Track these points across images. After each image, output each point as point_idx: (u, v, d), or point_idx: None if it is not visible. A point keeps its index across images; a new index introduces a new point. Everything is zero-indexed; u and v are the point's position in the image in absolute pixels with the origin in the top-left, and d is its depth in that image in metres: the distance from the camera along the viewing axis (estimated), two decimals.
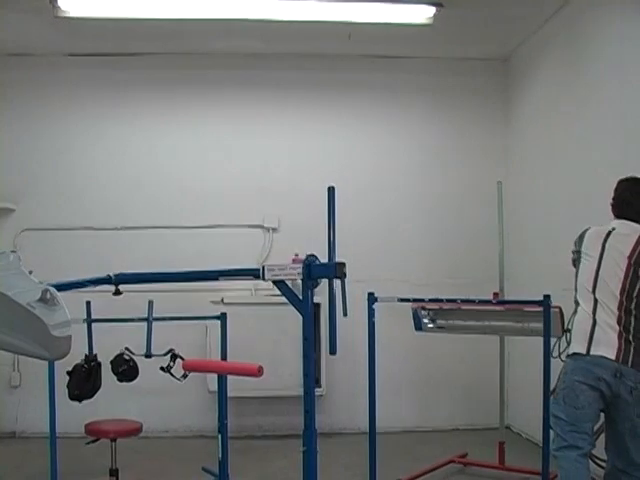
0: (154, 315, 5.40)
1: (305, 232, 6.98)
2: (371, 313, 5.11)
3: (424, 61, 7.16)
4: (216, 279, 2.85)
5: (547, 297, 4.55)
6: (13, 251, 2.54)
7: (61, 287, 2.91)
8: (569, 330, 5.28)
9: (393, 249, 7.12)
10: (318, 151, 7.15)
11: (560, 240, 5.82)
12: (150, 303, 5.30)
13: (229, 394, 6.25)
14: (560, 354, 5.27)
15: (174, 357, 5.25)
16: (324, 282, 7.21)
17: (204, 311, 5.92)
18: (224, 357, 5.62)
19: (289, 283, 2.75)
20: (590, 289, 3.93)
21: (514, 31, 6.55)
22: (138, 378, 5.32)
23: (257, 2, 5.80)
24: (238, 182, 7.04)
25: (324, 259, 7.33)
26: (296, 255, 6.87)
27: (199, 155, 7.12)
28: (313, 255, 2.62)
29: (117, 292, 3.04)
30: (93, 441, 4.71)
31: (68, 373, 5.02)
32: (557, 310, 4.93)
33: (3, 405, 6.78)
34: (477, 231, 6.91)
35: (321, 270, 2.57)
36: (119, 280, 2.97)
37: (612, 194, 4.09)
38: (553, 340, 5.07)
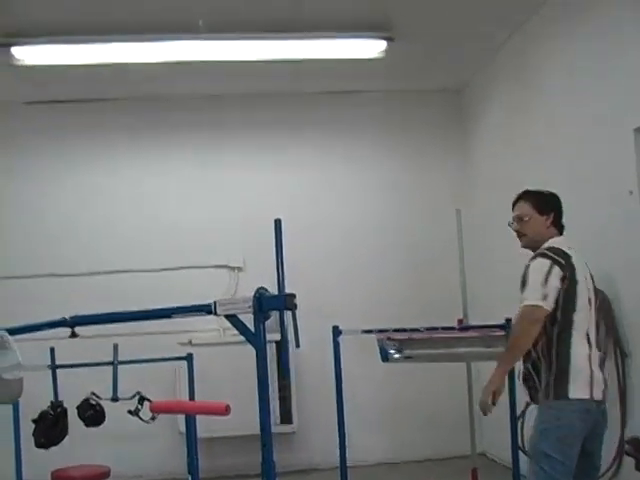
0: (121, 359, 5.41)
1: (271, 270, 6.98)
2: (336, 345, 5.12)
3: (379, 94, 7.26)
4: (169, 317, 2.86)
5: (509, 321, 4.59)
6: None
7: (18, 331, 2.93)
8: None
9: (356, 282, 7.15)
10: (279, 188, 7.19)
11: (520, 264, 5.91)
12: (115, 346, 5.30)
13: (200, 435, 6.22)
14: None
15: (142, 400, 5.22)
16: (300, 320, 7.18)
17: (173, 353, 5.91)
18: (192, 397, 5.62)
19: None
20: (587, 327, 3.58)
21: (466, 63, 6.69)
22: (108, 423, 5.31)
23: (208, 44, 5.85)
24: (202, 223, 7.06)
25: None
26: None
27: (163, 197, 7.16)
28: (263, 288, 2.64)
29: (73, 334, 3.05)
30: None
31: (34, 421, 4.98)
32: None
33: None
34: (439, 259, 6.93)
35: (271, 302, 2.61)
36: (74, 322, 2.98)
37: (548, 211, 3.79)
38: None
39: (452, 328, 5.13)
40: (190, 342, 6.54)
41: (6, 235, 6.97)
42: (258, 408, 6.53)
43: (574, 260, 3.57)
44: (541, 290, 3.47)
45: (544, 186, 5.54)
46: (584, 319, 3.55)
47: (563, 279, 3.50)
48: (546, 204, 3.79)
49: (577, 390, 3.44)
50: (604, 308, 4.69)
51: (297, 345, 2.70)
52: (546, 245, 3.67)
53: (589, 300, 3.60)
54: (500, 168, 6.56)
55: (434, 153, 7.36)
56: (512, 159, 6.25)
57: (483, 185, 6.99)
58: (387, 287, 7.14)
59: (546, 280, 3.48)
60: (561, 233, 3.77)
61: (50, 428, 4.94)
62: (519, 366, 4.17)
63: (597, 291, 4.77)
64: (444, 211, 6.37)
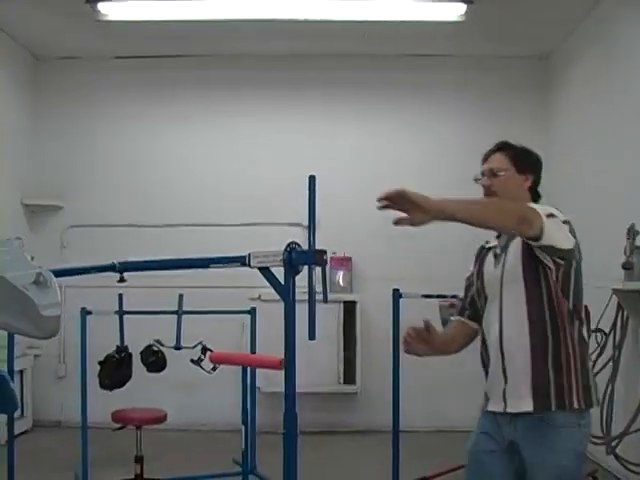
0: (187, 309, 5.58)
1: (343, 228, 7.05)
2: (396, 308, 5.14)
3: (458, 59, 7.14)
4: (207, 266, 2.94)
5: None
6: (18, 238, 2.70)
7: (65, 273, 3.06)
8: (600, 330, 5.24)
9: (421, 248, 7.07)
10: (357, 151, 7.21)
11: (594, 233, 5.78)
12: (180, 296, 5.45)
13: (264, 389, 6.37)
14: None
15: (204, 350, 5.37)
16: (366, 280, 7.14)
17: (242, 307, 6.03)
18: (253, 350, 5.73)
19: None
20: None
21: (550, 29, 6.46)
22: (174, 371, 5.52)
23: (284, 2, 5.91)
24: (278, 180, 7.14)
25: (363, 257, 7.28)
26: (333, 253, 6.94)
27: (240, 153, 7.27)
28: (295, 242, 2.69)
29: (121, 279, 3.15)
30: (119, 428, 4.85)
31: (100, 363, 5.21)
32: None
33: (49, 395, 7.03)
34: None
35: (301, 257, 2.65)
36: (123, 268, 3.07)
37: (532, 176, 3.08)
38: None
39: None
40: (259, 297, 6.66)
41: (87, 185, 7.25)
42: (324, 367, 6.71)
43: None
44: (549, 210, 2.68)
45: (624, 157, 5.40)
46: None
47: (574, 236, 2.77)
48: (527, 162, 3.07)
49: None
50: None
51: (325, 300, 2.72)
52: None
53: None
54: (580, 138, 6.38)
55: (516, 120, 7.12)
56: (593, 130, 6.06)
57: (564, 155, 6.82)
58: (450, 254, 7.04)
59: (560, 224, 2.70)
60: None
61: (114, 371, 5.16)
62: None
63: None
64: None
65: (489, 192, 3.01)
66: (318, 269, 2.93)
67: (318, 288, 2.80)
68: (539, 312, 2.73)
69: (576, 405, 2.67)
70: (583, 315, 2.78)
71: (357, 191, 7.02)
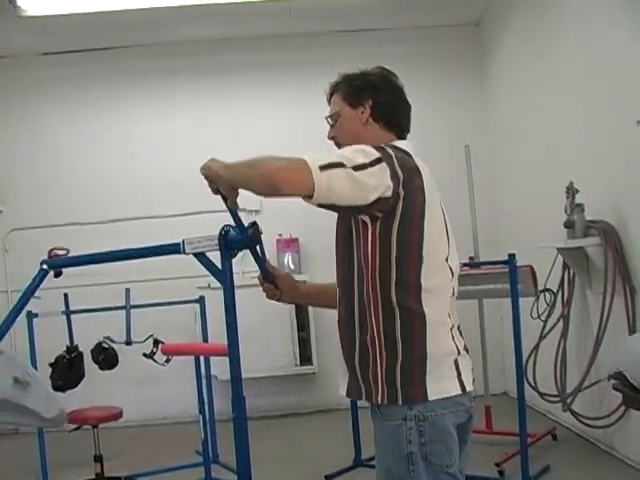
0: (139, 303, 5.52)
1: (287, 212, 6.99)
2: None
3: (392, 32, 7.08)
4: (143, 257, 2.88)
5: (512, 256, 4.53)
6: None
7: None
8: (548, 290, 5.28)
9: None
10: (296, 133, 7.14)
11: (536, 195, 5.85)
12: (127, 291, 5.39)
13: (225, 377, 6.32)
14: (540, 315, 5.28)
15: (156, 343, 5.32)
16: (320, 263, 7.09)
17: (194, 298, 5.96)
18: (205, 339, 5.70)
19: None
20: (451, 275, 2.25)
21: None
22: (129, 366, 5.46)
23: None
24: None
25: (309, 236, 7.23)
26: (280, 235, 6.92)
27: (177, 143, 7.15)
28: (229, 225, 2.65)
29: (58, 274, 3.09)
30: (75, 429, 4.78)
31: (50, 365, 5.13)
32: (528, 269, 4.92)
33: None
34: (448, 195, 6.86)
35: (236, 239, 2.61)
36: (50, 265, 2.99)
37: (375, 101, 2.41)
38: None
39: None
40: (209, 286, 6.60)
41: (25, 187, 7.10)
42: (280, 350, 6.68)
43: (418, 162, 2.24)
44: (353, 155, 2.08)
45: (560, 116, 5.44)
46: (443, 258, 2.23)
47: (395, 178, 2.09)
48: (359, 90, 2.42)
49: (438, 386, 2.13)
50: (612, 240, 4.61)
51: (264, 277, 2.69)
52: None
53: (448, 237, 2.27)
54: (519, 101, 6.42)
55: (450, 89, 7.17)
56: (531, 90, 6.08)
57: (501, 120, 6.87)
58: None
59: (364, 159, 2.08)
60: (401, 137, 2.41)
61: (66, 371, 5.08)
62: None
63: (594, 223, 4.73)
64: (460, 148, 6.24)
65: (336, 143, 2.46)
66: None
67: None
68: (348, 279, 2.24)
69: (379, 399, 2.14)
70: (433, 282, 2.16)
71: None
